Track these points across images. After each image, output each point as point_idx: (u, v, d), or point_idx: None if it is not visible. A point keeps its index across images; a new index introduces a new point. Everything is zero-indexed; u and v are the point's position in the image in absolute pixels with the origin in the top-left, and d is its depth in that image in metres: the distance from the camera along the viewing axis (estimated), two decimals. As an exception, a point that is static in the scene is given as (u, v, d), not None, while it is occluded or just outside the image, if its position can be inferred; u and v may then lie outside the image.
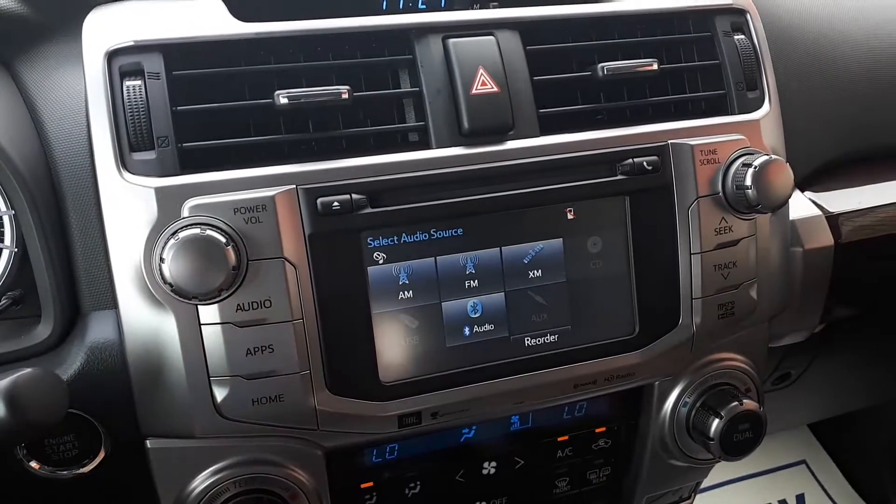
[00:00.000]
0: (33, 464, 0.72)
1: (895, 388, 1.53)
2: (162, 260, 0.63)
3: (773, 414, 0.91)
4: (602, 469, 0.94)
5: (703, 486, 2.01)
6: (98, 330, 0.72)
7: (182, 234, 0.63)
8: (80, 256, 0.73)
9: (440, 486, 0.87)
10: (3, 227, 0.80)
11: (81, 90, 0.75)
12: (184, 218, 0.65)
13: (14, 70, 0.77)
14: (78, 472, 0.73)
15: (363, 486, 0.83)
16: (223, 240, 0.64)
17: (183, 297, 0.65)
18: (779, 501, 2.00)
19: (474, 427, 0.86)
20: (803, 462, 2.07)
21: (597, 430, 0.92)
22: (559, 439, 0.91)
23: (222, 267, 0.63)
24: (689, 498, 1.07)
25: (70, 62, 0.77)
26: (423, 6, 0.90)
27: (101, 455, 0.74)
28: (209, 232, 0.63)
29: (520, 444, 0.89)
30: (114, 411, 0.72)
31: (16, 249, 0.80)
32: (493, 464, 0.89)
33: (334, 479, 0.79)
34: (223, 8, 0.74)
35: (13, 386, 0.55)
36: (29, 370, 0.57)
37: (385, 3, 0.88)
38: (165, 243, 0.64)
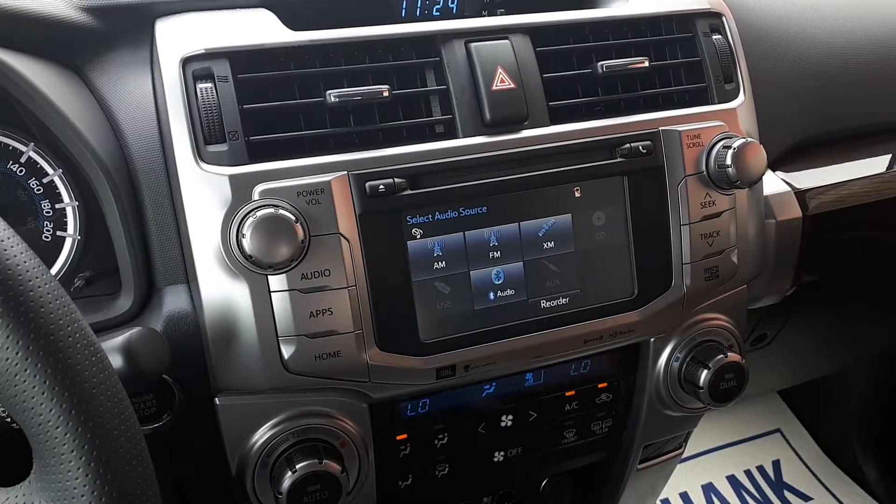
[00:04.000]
0: (118, 420, 0.82)
1: (857, 352, 1.67)
2: (242, 235, 0.73)
3: (752, 378, 1.00)
4: (605, 421, 1.04)
5: (686, 455, 2.15)
6: (173, 301, 0.82)
7: (259, 213, 0.73)
8: (155, 237, 0.82)
9: (464, 437, 0.97)
10: (66, 217, 0.90)
11: (148, 91, 0.84)
12: (257, 200, 0.75)
13: (85, 76, 0.86)
14: (155, 428, 0.82)
15: (399, 437, 0.93)
16: (293, 217, 0.74)
17: (258, 268, 0.74)
18: (756, 467, 2.11)
19: (494, 384, 0.96)
20: (778, 430, 2.19)
21: (599, 386, 1.01)
22: (567, 394, 1.00)
23: (293, 240, 0.73)
24: (680, 448, 1.18)
25: (134, 67, 0.86)
26: (437, 13, 1.00)
27: (176, 412, 0.82)
28: (281, 211, 0.73)
29: (533, 399, 0.98)
30: (187, 372, 0.81)
31: (79, 237, 0.90)
32: (510, 417, 0.98)
33: (376, 431, 0.88)
34: (274, 18, 0.84)
35: (128, 341, 0.65)
36: (139, 328, 0.66)
37: (404, 11, 0.98)
38: (243, 221, 0.73)
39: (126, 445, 0.50)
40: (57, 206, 0.89)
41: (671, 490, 2.04)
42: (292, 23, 0.85)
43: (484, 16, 1.00)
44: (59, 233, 0.89)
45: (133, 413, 0.53)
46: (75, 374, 0.48)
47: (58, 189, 0.88)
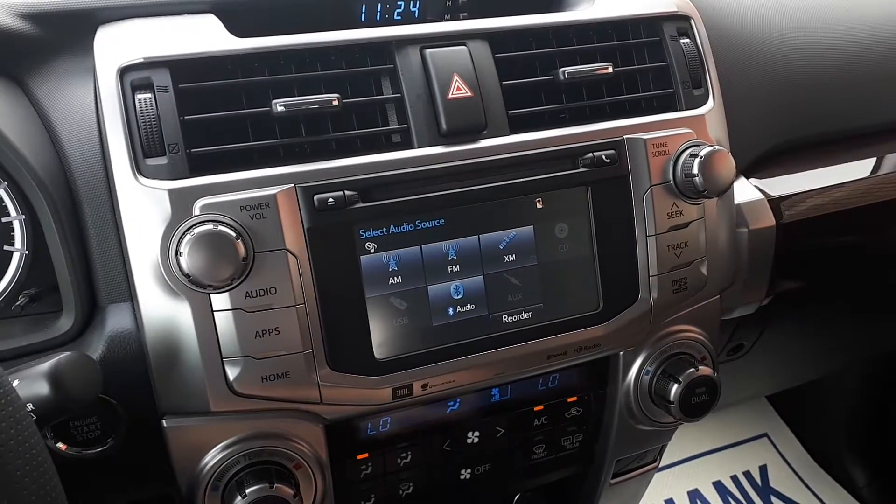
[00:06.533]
0: (60, 445, 0.78)
1: (838, 359, 1.64)
2: (179, 253, 0.70)
3: (733, 386, 0.98)
4: (575, 435, 1.02)
5: (671, 461, 2.12)
6: (115, 321, 0.79)
7: (197, 230, 0.70)
8: (97, 254, 0.79)
9: (429, 456, 0.94)
10: (13, 231, 0.87)
11: (91, 102, 0.81)
12: (196, 216, 0.72)
13: (25, 85, 0.82)
14: (100, 451, 0.79)
15: (359, 457, 0.90)
16: (233, 234, 0.71)
17: (198, 287, 0.71)
18: (743, 473, 2.09)
19: (458, 399, 0.93)
20: (765, 435, 2.17)
21: (569, 400, 0.99)
22: (535, 409, 0.97)
23: (233, 258, 0.70)
24: (654, 461, 1.15)
25: (77, 76, 0.83)
26: (399, 18, 0.98)
27: (121, 435, 0.80)
28: (220, 227, 0.70)
29: (500, 415, 0.96)
30: (132, 394, 0.78)
31: (26, 252, 0.87)
32: (477, 433, 0.95)
33: (334, 451, 0.85)
34: (219, 24, 0.81)
35: (55, 367, 0.61)
36: (68, 353, 0.63)
37: (363, 15, 0.95)
38: (181, 238, 0.70)
39: (31, 487, 0.47)
40: (3, 219, 0.85)
41: (656, 497, 2.02)
42: (246, 29, 0.81)
43: (446, 20, 0.98)
44: (6, 247, 0.86)
45: (44, 451, 0.50)
46: None
47: (3, 202, 0.85)
